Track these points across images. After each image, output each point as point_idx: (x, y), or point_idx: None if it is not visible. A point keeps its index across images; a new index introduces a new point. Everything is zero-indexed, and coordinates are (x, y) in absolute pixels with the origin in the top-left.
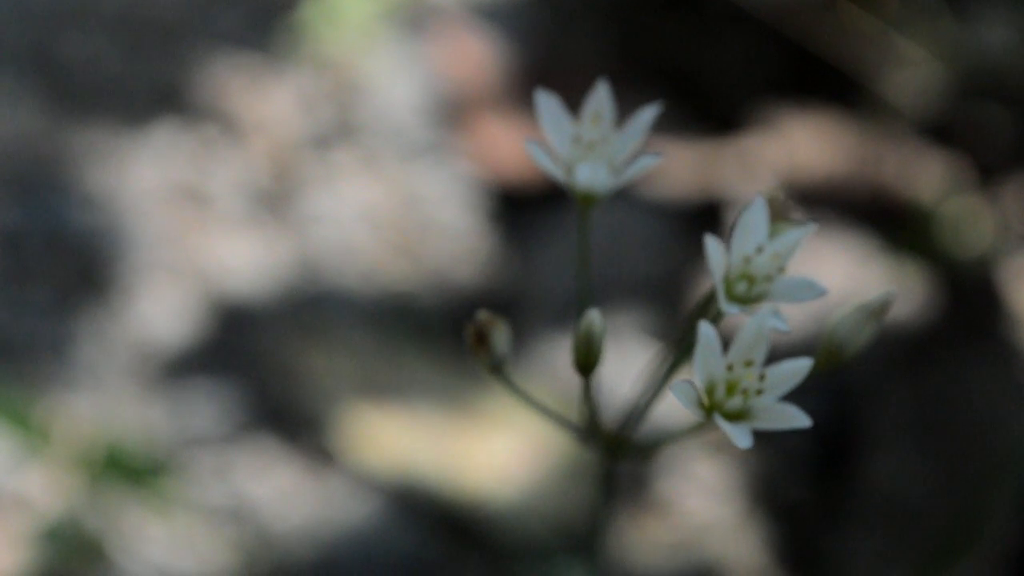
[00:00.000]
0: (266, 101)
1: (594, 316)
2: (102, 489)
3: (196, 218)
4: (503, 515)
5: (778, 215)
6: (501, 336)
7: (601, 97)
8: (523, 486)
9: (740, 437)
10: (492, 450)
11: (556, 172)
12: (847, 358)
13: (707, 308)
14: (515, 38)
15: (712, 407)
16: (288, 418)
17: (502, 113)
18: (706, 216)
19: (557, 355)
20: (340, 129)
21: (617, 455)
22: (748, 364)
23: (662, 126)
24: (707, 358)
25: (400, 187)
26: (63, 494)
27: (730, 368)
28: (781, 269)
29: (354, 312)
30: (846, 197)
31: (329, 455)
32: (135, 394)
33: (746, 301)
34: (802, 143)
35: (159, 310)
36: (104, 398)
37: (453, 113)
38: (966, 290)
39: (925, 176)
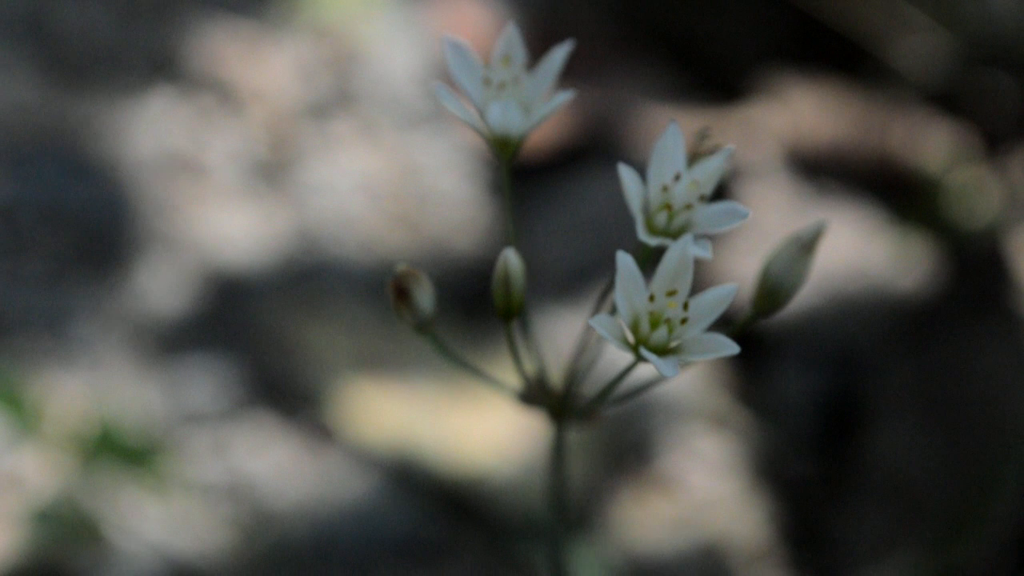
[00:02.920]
0: (263, 70)
1: (510, 256)
2: (97, 468)
3: (193, 189)
4: (501, 491)
5: (707, 152)
6: (424, 291)
7: (510, 38)
8: (521, 462)
9: (666, 368)
10: (490, 426)
11: (468, 117)
12: (786, 297)
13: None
14: (516, 5)
15: (639, 342)
16: (286, 393)
17: None
18: None
19: (559, 328)
20: (338, 98)
21: (560, 414)
22: (671, 294)
23: (665, 93)
24: (628, 289)
25: (399, 157)
26: (58, 473)
27: (652, 299)
28: (702, 197)
29: (352, 283)
30: (851, 166)
31: (327, 431)
32: (131, 370)
33: (668, 233)
34: (807, 111)
35: (156, 283)
36: (100, 374)
37: (452, 81)
38: (972, 261)
39: (931, 145)
